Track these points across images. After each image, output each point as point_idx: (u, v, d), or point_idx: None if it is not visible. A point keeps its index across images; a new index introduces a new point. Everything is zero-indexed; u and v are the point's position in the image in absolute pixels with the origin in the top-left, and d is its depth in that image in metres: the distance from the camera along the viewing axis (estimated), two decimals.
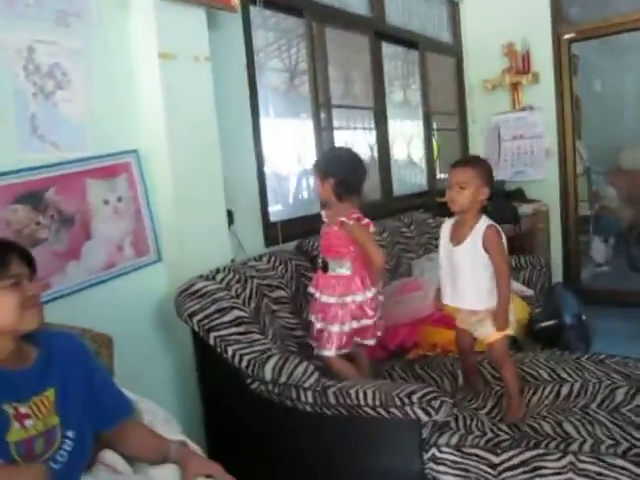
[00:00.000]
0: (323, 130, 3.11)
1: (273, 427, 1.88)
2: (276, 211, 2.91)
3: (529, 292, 3.14)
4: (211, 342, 1.86)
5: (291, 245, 2.72)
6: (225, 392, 1.98)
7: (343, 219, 2.01)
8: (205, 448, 2.10)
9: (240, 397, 1.88)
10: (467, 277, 1.92)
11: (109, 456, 1.44)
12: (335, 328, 2.03)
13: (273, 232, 2.74)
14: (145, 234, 2.17)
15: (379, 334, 2.16)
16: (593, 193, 5.24)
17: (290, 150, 3.07)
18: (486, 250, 1.87)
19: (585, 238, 4.88)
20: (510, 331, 1.94)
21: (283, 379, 1.78)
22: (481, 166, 1.92)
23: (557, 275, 4.24)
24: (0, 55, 1.76)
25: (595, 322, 2.95)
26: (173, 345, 2.21)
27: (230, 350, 1.83)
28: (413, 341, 2.53)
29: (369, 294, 2.04)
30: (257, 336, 1.91)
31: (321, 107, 3.11)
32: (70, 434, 1.31)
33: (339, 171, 2.03)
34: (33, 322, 1.28)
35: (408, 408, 1.65)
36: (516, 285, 3.14)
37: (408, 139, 4.17)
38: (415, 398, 1.66)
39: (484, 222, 1.90)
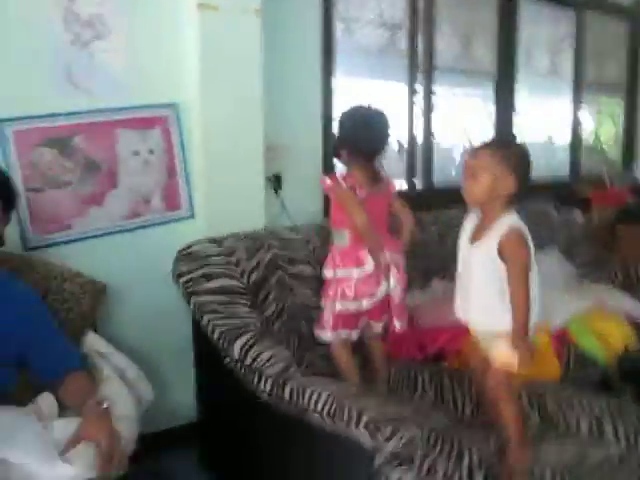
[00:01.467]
0: (419, 96, 2.79)
1: (240, 408, 1.78)
2: None
3: None
4: (191, 307, 1.81)
5: None
6: (208, 362, 1.93)
7: (327, 181, 1.83)
8: (194, 413, 2.11)
9: (217, 369, 1.81)
10: (475, 287, 1.57)
11: (44, 397, 1.49)
12: (328, 307, 1.84)
13: None
14: (177, 189, 2.17)
15: (398, 324, 1.89)
16: None
17: None
18: (502, 258, 1.51)
19: None
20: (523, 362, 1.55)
21: (248, 361, 1.67)
22: (505, 150, 1.52)
23: None
24: (38, 3, 1.84)
25: None
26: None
27: (205, 318, 1.76)
28: (455, 349, 2.20)
29: (367, 268, 1.80)
30: (241, 309, 1.81)
31: (421, 70, 2.78)
32: None
33: (339, 134, 1.84)
34: None
35: (354, 426, 1.42)
36: (629, 303, 2.55)
37: (549, 116, 3.57)
38: (365, 417, 1.41)
39: (508, 221, 1.53)
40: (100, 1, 1.95)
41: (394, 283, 1.83)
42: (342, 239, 1.85)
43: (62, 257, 1.91)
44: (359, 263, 1.81)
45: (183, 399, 2.14)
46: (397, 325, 1.87)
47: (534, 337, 1.57)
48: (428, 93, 2.84)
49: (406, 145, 2.91)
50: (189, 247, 1.94)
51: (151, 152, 2.10)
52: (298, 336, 2.02)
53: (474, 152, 1.56)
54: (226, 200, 2.17)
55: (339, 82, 2.54)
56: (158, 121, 2.10)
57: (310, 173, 2.51)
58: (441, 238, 2.59)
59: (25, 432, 1.30)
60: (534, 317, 1.54)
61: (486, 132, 3.21)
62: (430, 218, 2.64)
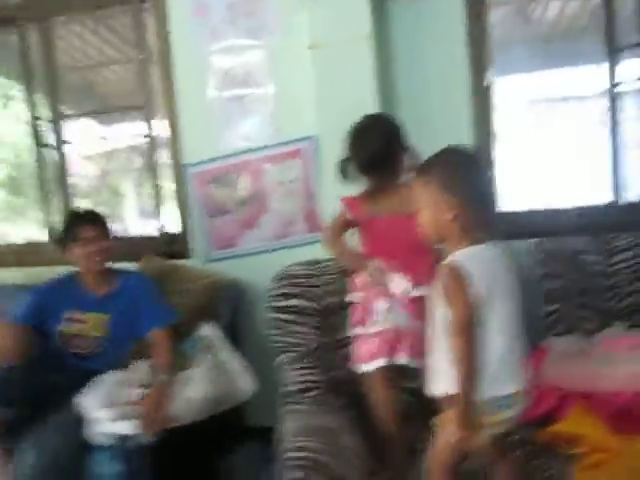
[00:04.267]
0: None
1: None
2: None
3: None
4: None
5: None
6: None
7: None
8: None
9: None
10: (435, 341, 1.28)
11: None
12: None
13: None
14: (316, 213, 2.39)
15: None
16: None
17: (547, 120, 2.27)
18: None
19: None
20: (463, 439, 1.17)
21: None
22: (423, 172, 1.19)
23: None
24: (205, 74, 2.42)
25: None
26: None
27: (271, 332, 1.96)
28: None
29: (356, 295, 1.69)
30: (300, 329, 1.92)
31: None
32: (105, 347, 2.03)
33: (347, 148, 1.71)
34: (95, 266, 2.02)
35: None
36: None
37: None
38: None
39: (452, 256, 1.21)
40: (249, 61, 2.38)
41: (399, 314, 1.61)
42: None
43: (226, 269, 2.44)
44: (353, 289, 1.70)
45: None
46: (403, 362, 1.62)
47: (486, 414, 1.17)
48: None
49: None
50: (291, 266, 2.15)
51: (292, 181, 2.40)
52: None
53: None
54: None
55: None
56: (296, 154, 2.38)
57: None
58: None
59: (104, 389, 1.87)
60: (487, 386, 1.16)
61: None
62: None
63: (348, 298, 1.78)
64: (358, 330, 1.71)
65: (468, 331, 1.15)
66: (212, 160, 2.46)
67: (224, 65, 2.40)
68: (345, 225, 1.77)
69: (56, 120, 2.72)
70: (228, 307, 2.33)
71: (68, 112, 2.76)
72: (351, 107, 2.08)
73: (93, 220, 2.06)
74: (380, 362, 1.61)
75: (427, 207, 1.23)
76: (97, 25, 2.82)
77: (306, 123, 2.32)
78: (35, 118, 2.72)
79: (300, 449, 1.35)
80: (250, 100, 2.41)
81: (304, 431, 1.43)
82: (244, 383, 2.08)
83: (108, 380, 1.92)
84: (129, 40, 2.69)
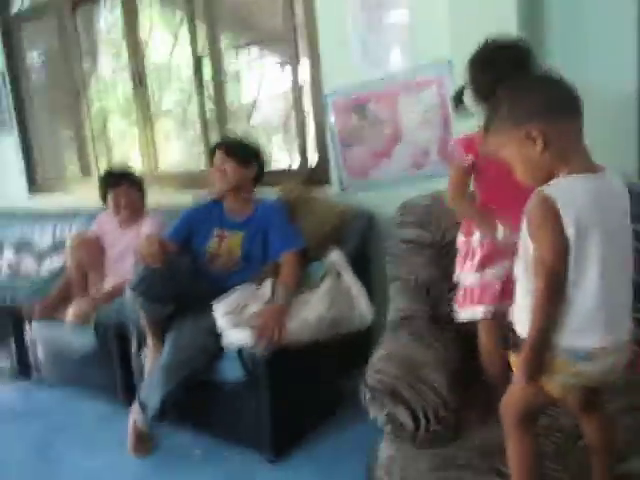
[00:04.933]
0: None
1: None
2: None
3: None
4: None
5: None
6: None
7: None
8: None
9: None
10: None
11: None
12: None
13: None
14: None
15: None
16: None
17: None
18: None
19: None
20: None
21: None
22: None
23: None
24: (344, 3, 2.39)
25: None
26: None
27: (386, 259, 1.96)
28: None
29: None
30: (417, 260, 1.88)
31: None
32: (243, 265, 2.25)
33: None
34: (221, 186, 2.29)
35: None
36: None
37: None
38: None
39: (545, 186, 1.08)
40: None
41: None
42: None
43: (360, 198, 2.49)
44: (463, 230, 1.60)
45: None
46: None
47: (562, 362, 1.07)
48: None
49: None
50: (415, 197, 2.11)
51: (427, 109, 2.31)
52: None
53: None
54: None
55: None
56: (432, 81, 2.27)
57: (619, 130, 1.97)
58: None
59: (233, 299, 2.09)
60: (568, 334, 1.06)
61: None
62: None
63: (458, 239, 1.71)
64: (463, 276, 1.64)
65: (552, 274, 1.04)
66: (349, 89, 2.46)
67: None
68: (467, 175, 1.60)
69: (215, 52, 2.93)
70: (357, 235, 2.39)
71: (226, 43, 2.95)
72: (489, 30, 1.91)
73: (224, 148, 2.26)
74: (482, 310, 1.55)
75: (512, 153, 1.11)
76: None
77: (441, 50, 2.18)
78: (196, 52, 2.96)
79: (378, 372, 1.39)
80: (386, 27, 2.33)
81: (387, 357, 1.46)
82: (363, 309, 2.16)
83: (239, 292, 2.13)
84: None
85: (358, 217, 2.40)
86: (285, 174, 2.81)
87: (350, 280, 2.21)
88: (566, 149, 1.07)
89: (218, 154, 2.28)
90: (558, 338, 1.07)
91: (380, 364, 1.43)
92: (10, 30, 3.84)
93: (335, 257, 2.26)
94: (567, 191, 1.05)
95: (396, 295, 1.82)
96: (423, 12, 2.23)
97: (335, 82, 2.50)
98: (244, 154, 2.30)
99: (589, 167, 1.08)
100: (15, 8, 3.80)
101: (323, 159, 2.65)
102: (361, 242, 2.39)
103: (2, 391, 2.94)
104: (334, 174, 2.61)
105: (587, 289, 1.06)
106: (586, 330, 1.06)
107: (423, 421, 1.32)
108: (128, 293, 2.16)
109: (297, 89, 2.72)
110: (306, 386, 2.15)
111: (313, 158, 2.74)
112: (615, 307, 1.09)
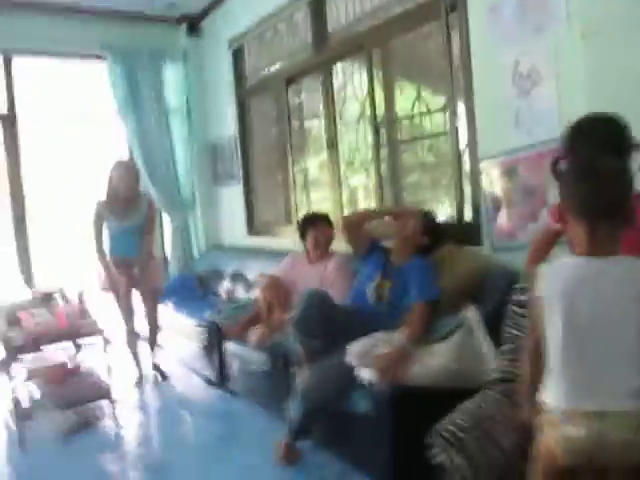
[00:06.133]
0: None
1: None
2: None
3: None
4: None
5: None
6: None
7: None
8: None
9: None
10: None
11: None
12: None
13: None
14: None
15: None
16: None
17: None
18: None
19: None
20: None
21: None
22: None
23: None
24: (495, 71, 2.58)
25: None
26: None
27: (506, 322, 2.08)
28: None
29: None
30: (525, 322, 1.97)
31: None
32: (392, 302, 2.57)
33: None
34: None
35: None
36: None
37: None
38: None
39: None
40: (534, 54, 2.41)
41: None
42: None
43: (509, 259, 2.60)
44: None
45: None
46: None
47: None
48: None
49: None
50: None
51: None
52: None
53: None
54: None
55: None
56: None
57: None
58: None
59: (368, 341, 2.39)
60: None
61: None
62: None
63: None
64: None
65: (530, 342, 1.21)
66: (501, 154, 2.61)
67: (512, 60, 2.49)
68: (554, 238, 1.69)
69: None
70: (496, 294, 2.48)
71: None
72: (625, 100, 1.94)
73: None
74: None
75: None
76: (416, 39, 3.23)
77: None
78: (375, 122, 3.38)
79: (451, 422, 1.55)
80: (536, 96, 2.43)
81: (467, 411, 1.61)
82: (492, 367, 2.26)
83: (375, 336, 2.41)
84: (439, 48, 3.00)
85: (498, 276, 2.50)
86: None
87: (482, 337, 2.33)
88: (574, 237, 1.23)
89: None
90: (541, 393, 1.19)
91: (457, 415, 1.59)
92: (243, 103, 4.77)
93: (470, 314, 2.40)
94: (556, 271, 1.22)
95: (503, 356, 1.92)
96: (566, 80, 2.30)
97: (488, 147, 2.67)
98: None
99: (587, 251, 1.19)
100: (248, 85, 4.72)
101: (476, 219, 2.80)
102: (500, 301, 2.48)
103: (206, 395, 3.64)
104: (484, 234, 2.75)
105: (552, 353, 1.16)
106: (552, 388, 1.16)
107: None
108: (290, 327, 2.60)
109: (457, 154, 2.93)
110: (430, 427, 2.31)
111: (468, 216, 2.91)
112: (594, 374, 1.14)
